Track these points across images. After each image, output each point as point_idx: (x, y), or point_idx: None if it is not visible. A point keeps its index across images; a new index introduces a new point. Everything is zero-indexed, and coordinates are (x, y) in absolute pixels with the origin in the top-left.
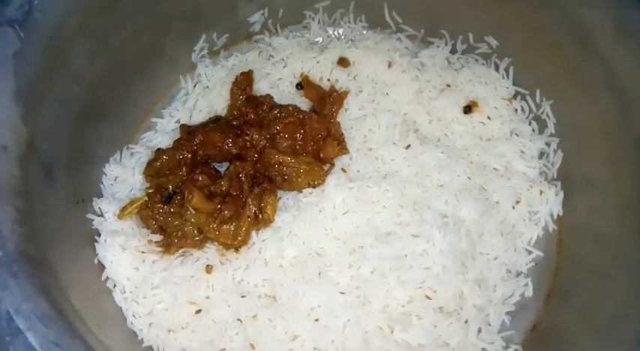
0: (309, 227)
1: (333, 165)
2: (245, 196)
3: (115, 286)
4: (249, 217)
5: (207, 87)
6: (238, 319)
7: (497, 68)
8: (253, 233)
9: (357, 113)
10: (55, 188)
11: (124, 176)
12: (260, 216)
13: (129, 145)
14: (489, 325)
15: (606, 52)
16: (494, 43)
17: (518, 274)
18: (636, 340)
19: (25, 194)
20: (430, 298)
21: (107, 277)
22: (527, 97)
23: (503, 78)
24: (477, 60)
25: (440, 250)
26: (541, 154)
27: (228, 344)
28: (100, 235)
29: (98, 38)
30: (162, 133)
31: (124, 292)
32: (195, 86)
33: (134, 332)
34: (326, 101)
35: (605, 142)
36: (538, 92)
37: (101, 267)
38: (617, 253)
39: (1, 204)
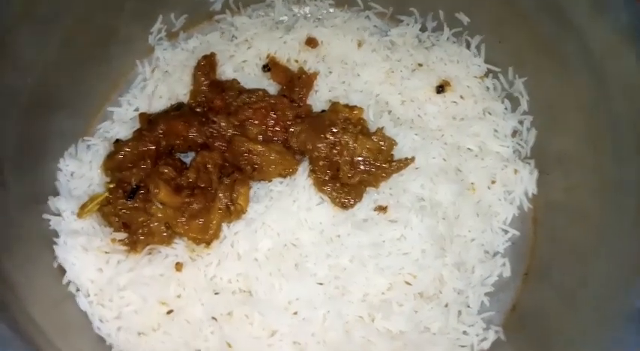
0: (283, 218)
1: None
2: (214, 187)
3: (77, 290)
4: (220, 209)
5: (167, 71)
6: (213, 318)
7: (468, 46)
8: (224, 226)
9: (327, 95)
10: (5, 188)
11: (81, 171)
12: (232, 207)
13: (84, 138)
14: (469, 307)
15: (582, 28)
16: (465, 19)
17: (495, 254)
18: (622, 320)
19: None
20: (410, 284)
21: (69, 281)
22: (500, 75)
23: (475, 56)
24: (447, 38)
25: (418, 235)
26: (514, 133)
27: (204, 344)
28: (58, 237)
29: (42, 23)
30: (120, 122)
31: (88, 295)
32: (153, 71)
33: (102, 338)
34: (295, 84)
35: (580, 119)
36: (511, 70)
37: (61, 271)
38: (596, 231)
39: None
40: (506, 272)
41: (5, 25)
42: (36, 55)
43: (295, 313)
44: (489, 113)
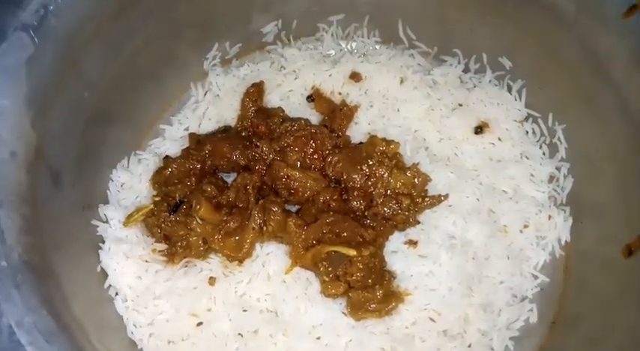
0: None
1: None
2: (251, 207)
3: (116, 294)
4: (253, 229)
5: (218, 96)
6: (239, 334)
7: (509, 89)
8: (257, 246)
9: (366, 128)
10: (62, 194)
11: (131, 183)
12: (264, 228)
13: (136, 152)
14: (492, 349)
15: (620, 80)
16: (507, 64)
17: (523, 298)
18: None
19: (32, 201)
20: (434, 321)
21: (109, 285)
22: (539, 120)
23: (516, 100)
24: (489, 80)
25: (446, 272)
26: (551, 178)
27: None
28: (104, 242)
29: (111, 44)
30: (171, 140)
31: (126, 300)
32: (205, 94)
33: (134, 342)
34: (336, 115)
35: (616, 170)
36: (550, 116)
37: (104, 274)
38: (627, 284)
39: (8, 212)
40: (533, 318)
41: (80, 40)
42: (100, 73)
43: (318, 338)
44: (526, 157)
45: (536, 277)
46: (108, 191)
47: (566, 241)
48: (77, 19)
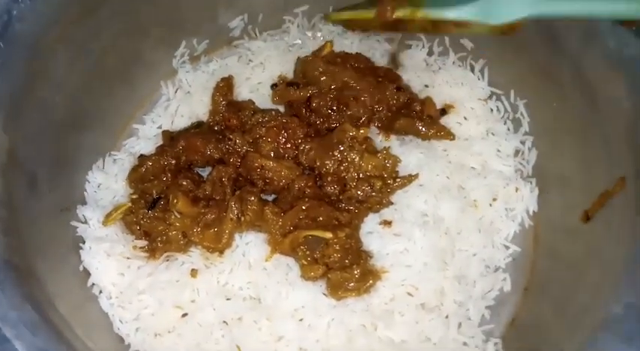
0: None
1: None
2: (227, 199)
3: (100, 292)
4: (231, 219)
5: (189, 92)
6: (224, 322)
7: (472, 70)
8: (237, 236)
9: None
10: (39, 197)
11: (107, 183)
12: (242, 218)
13: (111, 152)
14: (469, 319)
15: (575, 54)
16: (469, 45)
17: (497, 269)
18: (599, 325)
19: (8, 203)
20: (412, 295)
21: (93, 284)
22: (502, 98)
23: (479, 79)
24: (453, 62)
25: (421, 248)
26: (516, 152)
27: (215, 347)
28: (84, 243)
29: (78, 46)
30: (145, 139)
31: (110, 297)
32: (176, 92)
33: (121, 338)
34: None
35: (576, 141)
36: (512, 92)
37: (87, 274)
38: (589, 248)
39: None
40: (507, 287)
41: (46, 44)
42: (69, 76)
43: (301, 320)
44: (492, 134)
45: (507, 248)
46: (85, 192)
47: (534, 212)
48: (42, 23)
